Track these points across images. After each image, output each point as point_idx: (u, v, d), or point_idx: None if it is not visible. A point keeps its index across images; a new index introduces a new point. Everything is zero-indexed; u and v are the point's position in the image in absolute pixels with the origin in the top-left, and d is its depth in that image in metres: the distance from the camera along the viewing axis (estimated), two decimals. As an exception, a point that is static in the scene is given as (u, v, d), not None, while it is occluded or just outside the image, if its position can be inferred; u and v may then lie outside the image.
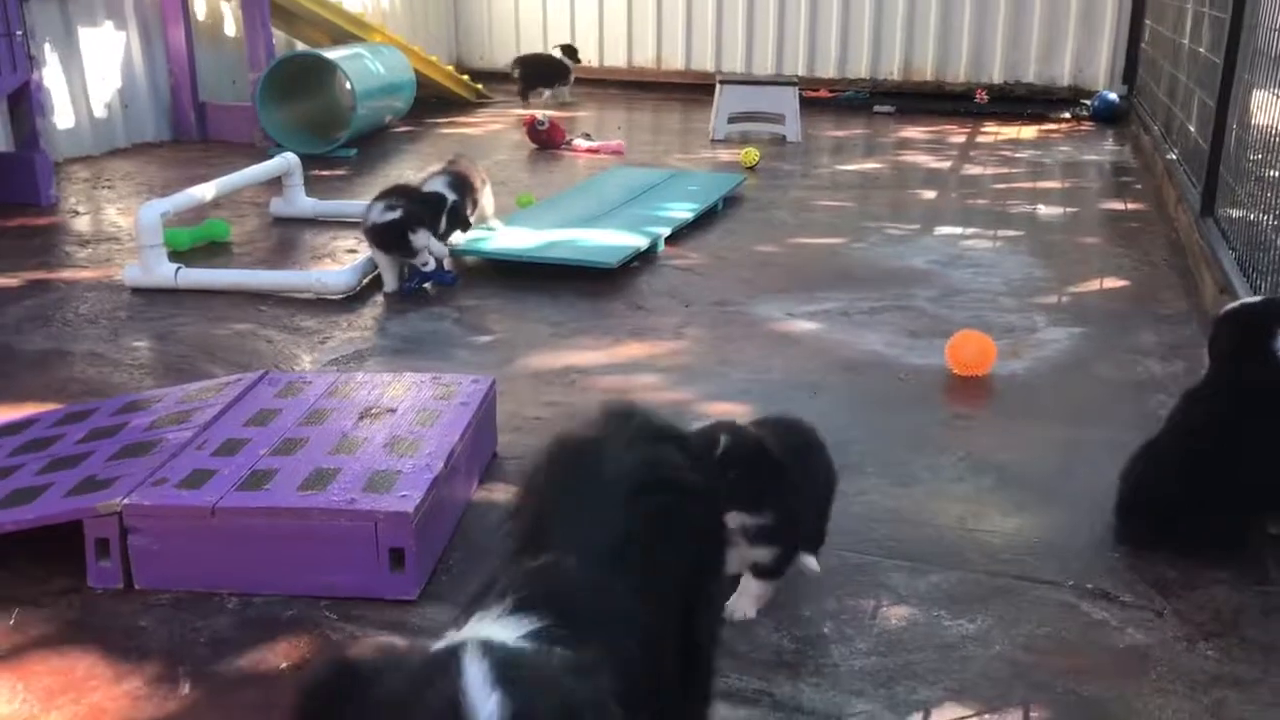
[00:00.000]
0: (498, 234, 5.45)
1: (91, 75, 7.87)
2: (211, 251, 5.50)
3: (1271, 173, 4.32)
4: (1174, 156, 6.76)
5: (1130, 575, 2.66)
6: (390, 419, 2.98)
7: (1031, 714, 2.19)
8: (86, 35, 7.81)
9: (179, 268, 4.88)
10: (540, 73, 10.64)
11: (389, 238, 4.72)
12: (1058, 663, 2.34)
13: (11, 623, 2.47)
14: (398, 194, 4.92)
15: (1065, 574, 2.67)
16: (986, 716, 2.19)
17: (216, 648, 2.39)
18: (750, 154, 7.74)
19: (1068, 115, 10.03)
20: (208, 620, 2.48)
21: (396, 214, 4.69)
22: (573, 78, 10.56)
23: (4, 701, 2.21)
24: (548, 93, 10.61)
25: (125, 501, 2.55)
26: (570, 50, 10.67)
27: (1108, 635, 2.44)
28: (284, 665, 2.33)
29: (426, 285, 4.86)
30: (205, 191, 5.32)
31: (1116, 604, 2.54)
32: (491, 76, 11.80)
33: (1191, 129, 6.18)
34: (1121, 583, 2.62)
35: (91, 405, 3.36)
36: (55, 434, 3.12)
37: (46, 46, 7.33)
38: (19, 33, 6.06)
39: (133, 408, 3.24)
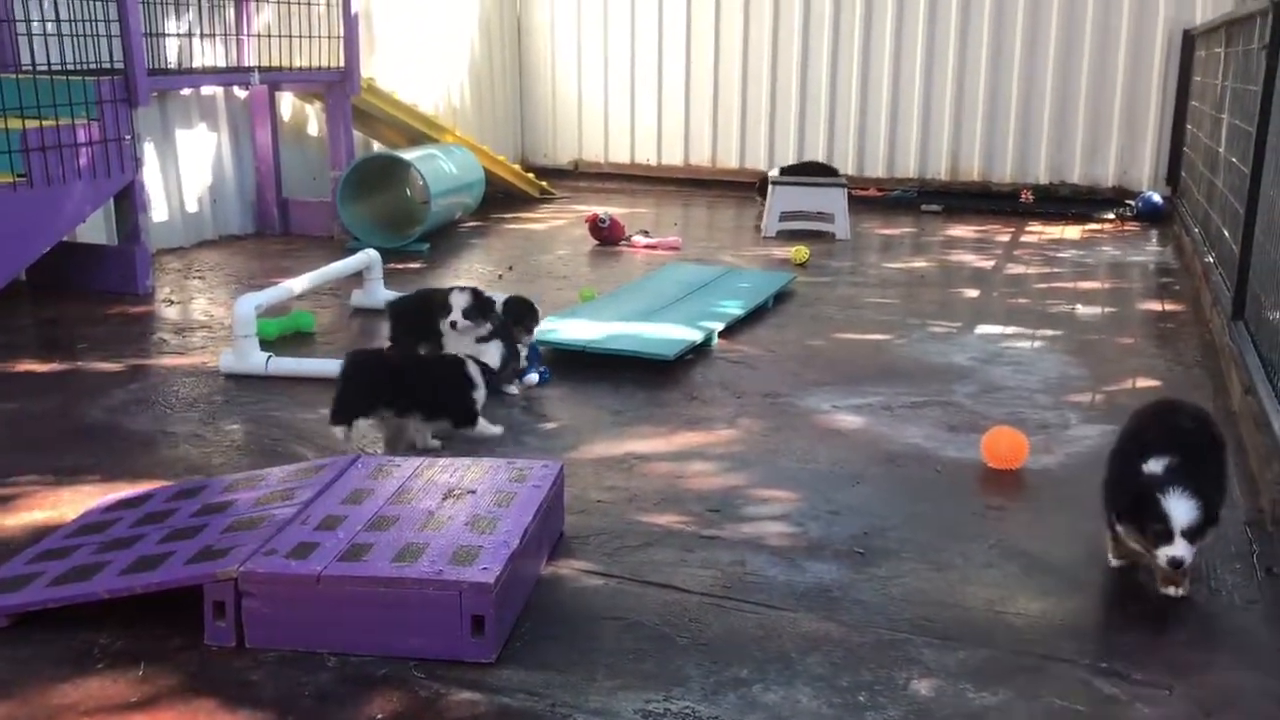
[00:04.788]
0: (563, 326, 5.81)
1: (185, 172, 8.48)
2: (297, 341, 5.92)
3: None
4: (1211, 259, 7.02)
5: (1143, 656, 2.90)
6: (471, 500, 3.32)
7: (1045, 777, 2.44)
8: (182, 135, 8.42)
9: (270, 356, 5.29)
10: None
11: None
12: (1071, 732, 2.59)
13: (140, 674, 2.80)
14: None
15: (1083, 653, 2.92)
16: (1004, 778, 2.44)
17: (320, 701, 2.70)
18: (801, 252, 8.11)
19: (1112, 216, 10.32)
20: (311, 677, 2.80)
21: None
22: None
23: (139, 741, 2.54)
24: None
25: (241, 569, 2.89)
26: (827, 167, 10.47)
27: (1118, 709, 2.68)
28: (379, 717, 2.64)
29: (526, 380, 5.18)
30: (296, 285, 5.75)
31: (1128, 681, 2.79)
32: (554, 173, 12.39)
33: (1225, 233, 6.45)
34: (1134, 663, 2.87)
35: (200, 483, 3.73)
36: (171, 508, 3.49)
37: (147, 146, 7.91)
38: (128, 137, 6.62)
39: (238, 486, 3.60)
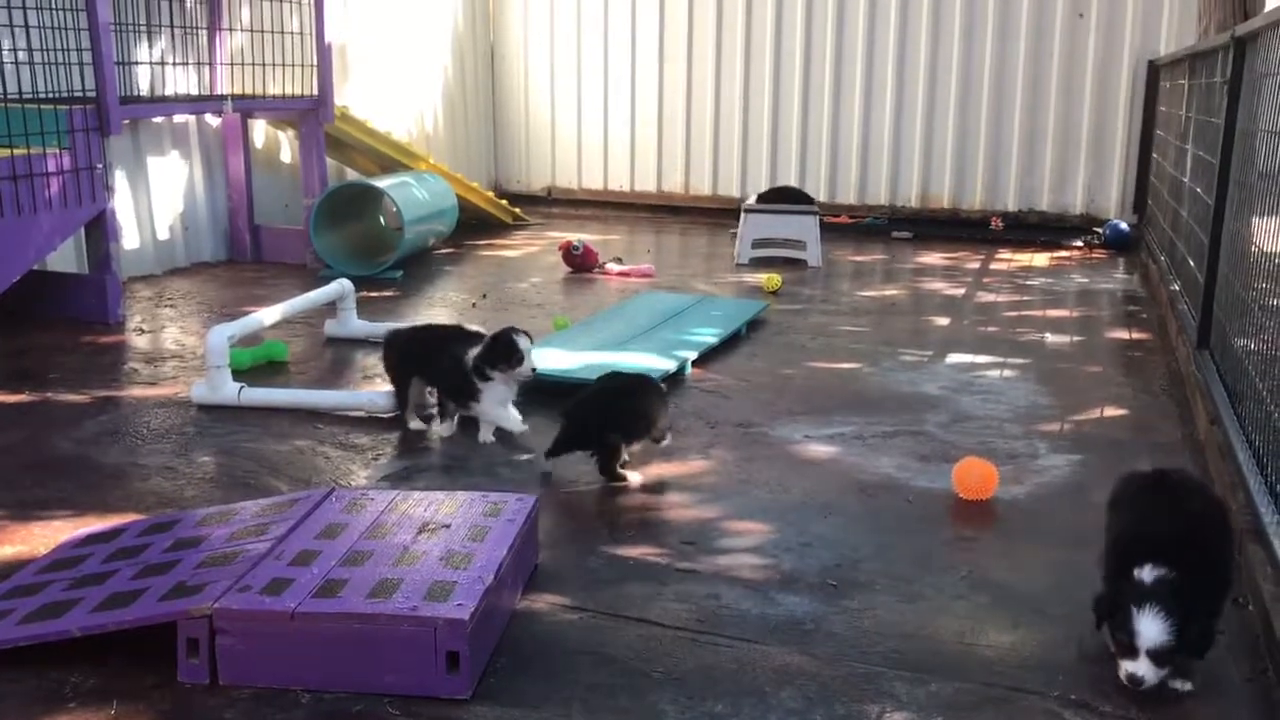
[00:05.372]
0: (537, 355, 5.82)
1: (157, 200, 8.46)
2: (270, 371, 5.91)
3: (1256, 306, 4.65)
4: (1177, 288, 7.12)
5: (1110, 688, 2.93)
6: (445, 534, 3.33)
7: (1016, 810, 2.47)
8: (154, 163, 8.41)
9: (242, 387, 5.28)
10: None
11: None
12: (1041, 765, 2.62)
13: (112, 713, 2.79)
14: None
15: (1052, 685, 2.95)
16: (976, 811, 2.46)
17: (294, 738, 2.70)
18: (773, 279, 8.17)
19: (1080, 243, 10.45)
20: (285, 714, 2.79)
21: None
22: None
23: (111, 782, 2.52)
24: None
25: (215, 605, 2.88)
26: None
27: (1087, 741, 2.72)
28: (353, 755, 2.64)
29: None
30: (268, 315, 5.75)
31: (1096, 713, 2.82)
32: (528, 200, 12.43)
33: (1191, 262, 6.54)
34: (1101, 694, 2.90)
35: (173, 517, 3.72)
36: (143, 543, 3.47)
37: (119, 174, 7.89)
38: (100, 166, 6.60)
39: (211, 521, 3.59)
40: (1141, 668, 2.82)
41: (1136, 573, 2.89)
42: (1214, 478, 4.36)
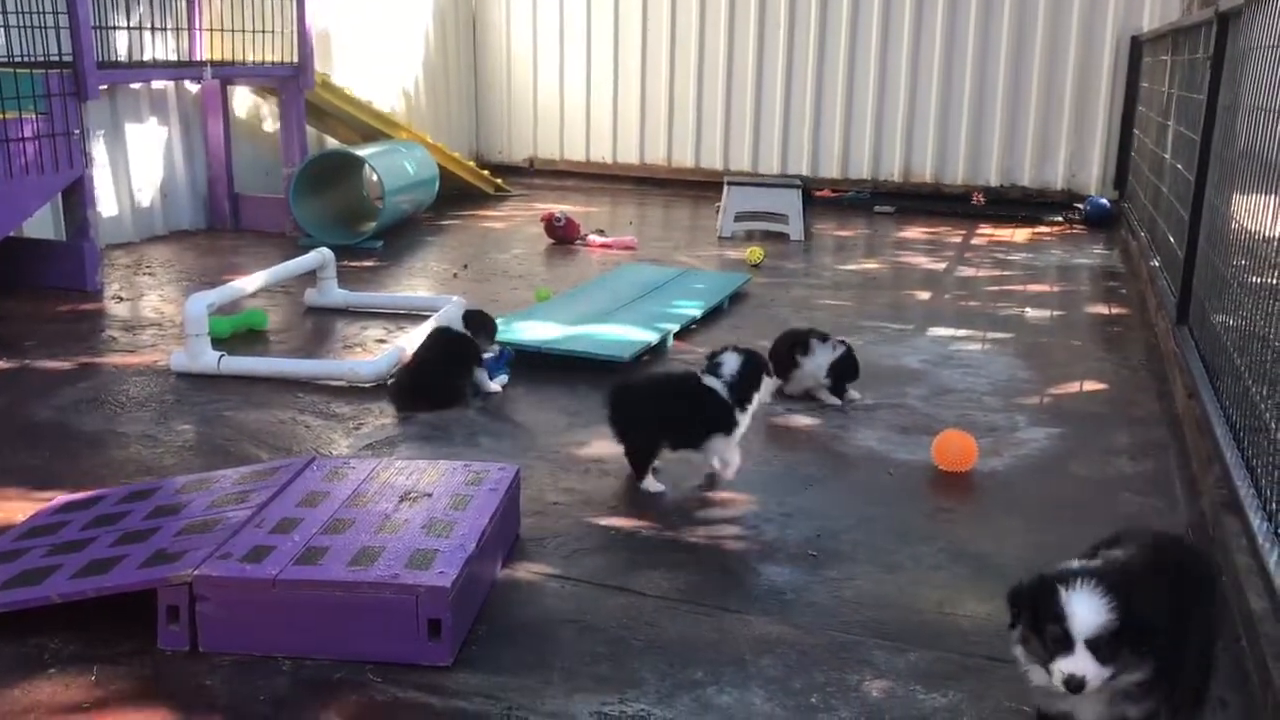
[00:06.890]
0: (518, 327, 5.81)
1: (135, 167, 8.38)
2: (250, 339, 5.88)
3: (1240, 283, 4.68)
4: (1156, 264, 7.15)
5: (1087, 657, 2.96)
6: (427, 503, 3.32)
7: (993, 777, 2.49)
8: (132, 130, 8.32)
9: (222, 355, 5.25)
10: None
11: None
12: (1018, 732, 2.65)
13: (92, 679, 2.78)
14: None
15: (1029, 655, 2.97)
16: (953, 778, 2.49)
17: (275, 706, 2.70)
18: (755, 252, 8.16)
19: (1061, 219, 10.48)
20: (266, 681, 2.79)
21: None
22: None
23: (91, 748, 2.52)
24: None
25: (195, 572, 2.88)
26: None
27: (1064, 709, 2.74)
28: (335, 721, 2.65)
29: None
30: (248, 284, 5.71)
31: (1073, 682, 2.85)
32: (510, 171, 12.38)
33: (1170, 238, 6.57)
34: (1079, 663, 2.93)
35: (153, 484, 3.71)
36: (123, 510, 3.46)
37: (97, 141, 7.81)
38: (76, 131, 6.53)
39: (191, 488, 3.58)
40: (1079, 663, 2.12)
41: (1060, 566, 2.29)
42: (1191, 453, 4.40)
